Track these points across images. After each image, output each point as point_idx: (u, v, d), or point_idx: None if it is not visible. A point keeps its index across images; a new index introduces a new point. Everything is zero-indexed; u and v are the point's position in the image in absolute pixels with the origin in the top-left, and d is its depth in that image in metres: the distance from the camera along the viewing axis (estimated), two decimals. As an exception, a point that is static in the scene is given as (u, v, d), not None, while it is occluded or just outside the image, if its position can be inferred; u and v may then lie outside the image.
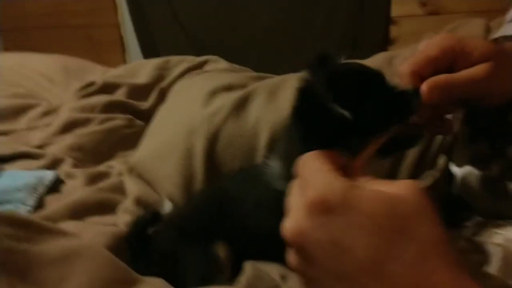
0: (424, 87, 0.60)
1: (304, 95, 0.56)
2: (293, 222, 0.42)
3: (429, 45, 0.64)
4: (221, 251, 0.70)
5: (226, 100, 0.95)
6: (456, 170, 0.75)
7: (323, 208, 0.40)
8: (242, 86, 1.02)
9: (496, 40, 0.74)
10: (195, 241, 0.73)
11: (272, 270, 0.65)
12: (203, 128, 0.91)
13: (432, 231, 0.40)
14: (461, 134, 0.75)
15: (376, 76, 0.61)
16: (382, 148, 0.57)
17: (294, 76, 0.99)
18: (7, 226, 0.49)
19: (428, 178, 0.79)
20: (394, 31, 2.33)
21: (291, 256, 0.44)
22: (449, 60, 0.63)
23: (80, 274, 0.49)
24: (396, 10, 2.39)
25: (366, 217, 0.40)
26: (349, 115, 0.54)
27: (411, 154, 0.83)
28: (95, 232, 0.79)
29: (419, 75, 0.62)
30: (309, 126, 0.57)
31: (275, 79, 1.01)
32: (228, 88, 1.02)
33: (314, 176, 0.44)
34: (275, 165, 0.67)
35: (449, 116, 0.69)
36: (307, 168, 0.45)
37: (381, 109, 0.57)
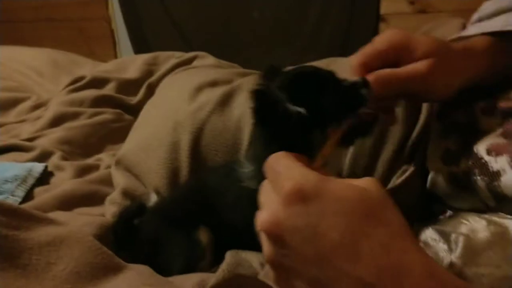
0: (369, 80, 0.64)
1: (260, 98, 0.59)
2: (269, 213, 0.44)
3: (378, 39, 0.68)
4: (202, 236, 0.74)
5: (211, 95, 0.98)
6: (429, 166, 0.78)
7: (299, 197, 0.43)
8: (227, 82, 1.05)
9: (452, 40, 0.78)
10: (178, 227, 0.76)
11: (252, 258, 0.69)
12: (188, 122, 0.94)
13: (397, 217, 0.43)
14: (434, 130, 0.79)
15: (326, 74, 0.65)
16: (341, 139, 0.62)
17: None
18: (-2, 214, 0.52)
19: (403, 174, 0.82)
20: (383, 28, 2.38)
21: (267, 249, 0.46)
22: (396, 55, 0.67)
23: (67, 259, 0.52)
24: (385, 8, 2.43)
25: (339, 203, 0.42)
26: (304, 111, 0.58)
27: (387, 150, 0.86)
28: (83, 222, 0.81)
29: (368, 67, 0.67)
30: (269, 127, 0.61)
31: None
32: (213, 84, 1.05)
33: (288, 169, 0.46)
34: (247, 165, 0.71)
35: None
36: (280, 164, 0.47)
37: (334, 103, 0.61)
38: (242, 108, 0.94)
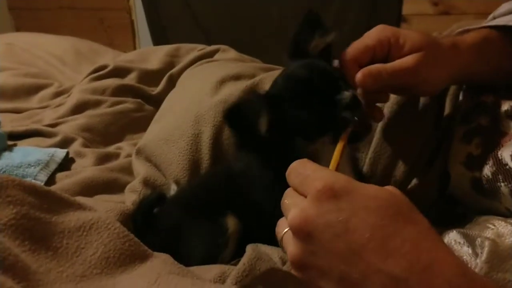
0: (359, 75, 0.67)
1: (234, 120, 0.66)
2: (298, 211, 0.45)
3: (368, 35, 0.71)
4: (230, 223, 0.73)
5: (234, 89, 0.98)
6: (450, 169, 0.78)
7: (330, 194, 0.44)
8: (250, 76, 1.06)
9: (458, 33, 0.79)
10: (202, 214, 0.76)
11: (272, 252, 0.69)
12: (210, 115, 0.95)
13: (423, 218, 0.45)
14: (457, 134, 0.78)
15: (320, 82, 0.67)
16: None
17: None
18: (30, 195, 0.53)
19: (423, 175, 0.82)
20: (404, 29, 2.35)
21: (294, 248, 0.46)
22: (385, 50, 0.69)
23: (96, 244, 0.53)
24: (407, 8, 2.41)
25: (370, 200, 0.44)
26: (266, 133, 0.66)
27: (403, 158, 0.85)
28: (104, 207, 0.82)
29: (358, 62, 0.69)
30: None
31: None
32: (237, 77, 1.05)
33: (317, 171, 0.48)
34: None
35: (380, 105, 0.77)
36: (307, 168, 0.49)
37: (315, 124, 0.67)
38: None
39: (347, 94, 0.65)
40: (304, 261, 0.45)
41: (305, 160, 0.51)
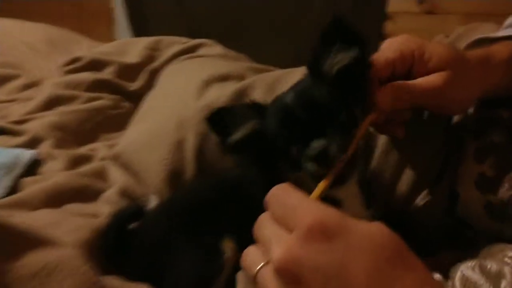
0: (379, 97, 0.60)
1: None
2: (284, 249, 0.40)
3: (389, 46, 0.64)
4: (228, 247, 0.66)
5: (221, 92, 0.90)
6: (460, 190, 0.72)
7: (322, 232, 0.39)
8: (238, 77, 0.97)
9: (476, 41, 0.73)
10: (191, 233, 0.68)
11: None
12: (195, 121, 0.86)
13: (421, 263, 0.40)
14: (468, 150, 0.72)
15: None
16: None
17: (295, 71, 0.94)
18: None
19: (428, 195, 0.76)
20: (389, 26, 2.29)
21: None
22: (408, 64, 0.63)
23: None
24: (392, 6, 2.35)
25: (366, 241, 0.39)
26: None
27: (409, 171, 0.79)
28: (73, 225, 0.74)
29: (378, 77, 0.62)
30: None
31: (275, 73, 0.96)
32: (224, 78, 0.96)
33: (303, 203, 0.42)
34: None
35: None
36: (292, 196, 0.43)
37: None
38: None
39: (317, 145, 0.57)
40: None
41: (287, 186, 0.45)
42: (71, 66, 1.35)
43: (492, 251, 0.62)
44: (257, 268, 0.43)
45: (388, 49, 0.63)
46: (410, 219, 0.75)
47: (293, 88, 0.65)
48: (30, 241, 0.48)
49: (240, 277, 0.62)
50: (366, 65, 0.62)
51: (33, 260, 0.46)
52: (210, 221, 0.70)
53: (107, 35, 2.69)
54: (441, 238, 0.73)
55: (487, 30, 0.93)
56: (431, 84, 0.61)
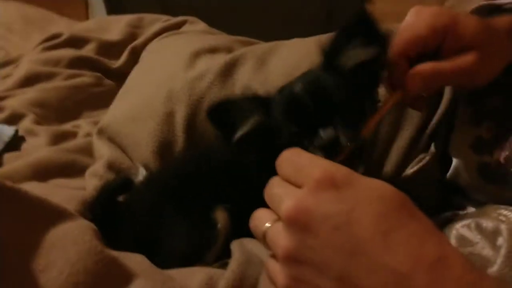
0: (409, 78, 0.58)
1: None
2: (294, 201, 0.41)
3: (418, 20, 0.60)
4: (220, 217, 0.64)
5: (211, 64, 0.88)
6: (453, 154, 0.72)
7: (331, 183, 0.40)
8: (227, 49, 0.96)
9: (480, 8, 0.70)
10: (183, 204, 0.66)
11: (261, 250, 0.60)
12: (185, 93, 0.84)
13: (426, 217, 0.41)
14: (462, 116, 0.72)
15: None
16: None
17: (285, 43, 0.93)
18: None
19: (419, 162, 0.76)
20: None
21: (287, 241, 0.41)
22: (439, 40, 0.59)
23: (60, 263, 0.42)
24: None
25: (374, 191, 0.40)
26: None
27: (403, 137, 0.79)
28: (62, 196, 0.71)
29: (405, 55, 0.59)
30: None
31: (265, 45, 0.94)
32: (213, 50, 0.95)
33: (314, 160, 0.44)
34: None
35: None
36: (302, 156, 0.44)
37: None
38: (245, 81, 0.85)
39: (327, 134, 0.56)
40: (299, 256, 0.41)
41: (297, 149, 0.46)
42: (49, 43, 1.32)
43: (485, 211, 0.62)
44: (267, 225, 0.44)
45: (418, 25, 0.59)
46: (401, 187, 0.76)
47: (301, 77, 0.63)
48: (46, 213, 0.46)
49: (235, 248, 0.61)
50: (383, 65, 0.60)
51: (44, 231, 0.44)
52: (201, 191, 0.69)
53: (82, 16, 2.61)
54: (432, 205, 0.73)
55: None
56: (465, 65, 0.57)
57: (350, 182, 0.41)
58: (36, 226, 0.44)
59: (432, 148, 0.77)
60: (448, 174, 0.72)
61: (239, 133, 0.59)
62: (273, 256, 0.44)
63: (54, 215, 0.46)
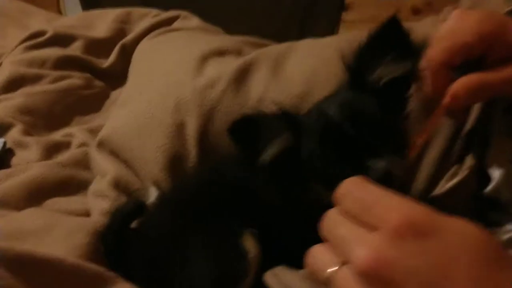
0: (453, 91, 0.54)
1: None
2: (371, 251, 0.35)
3: (464, 26, 0.55)
4: (249, 244, 0.57)
5: (222, 69, 0.81)
6: (492, 168, 0.67)
7: (414, 231, 0.35)
8: (236, 51, 0.89)
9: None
10: (208, 230, 0.60)
11: (302, 285, 0.55)
12: (195, 102, 0.77)
13: None
14: (499, 126, 0.67)
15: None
16: None
17: (297, 45, 0.87)
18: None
19: (454, 177, 0.71)
20: (348, 2, 2.21)
21: None
22: (485, 48, 0.54)
23: None
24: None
25: (464, 239, 0.35)
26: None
27: (435, 148, 0.74)
28: (69, 227, 0.64)
29: (447, 64, 0.55)
30: None
31: (277, 48, 0.87)
32: (220, 53, 0.87)
33: (385, 198, 0.38)
34: None
35: None
36: (370, 192, 0.39)
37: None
38: (261, 89, 0.78)
39: (380, 166, 0.50)
40: None
41: (361, 179, 0.40)
42: (32, 42, 1.21)
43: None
44: (331, 270, 0.38)
45: (463, 30, 0.54)
46: (435, 203, 0.71)
47: (332, 98, 0.57)
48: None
49: (270, 280, 0.55)
50: (414, 79, 0.56)
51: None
52: (223, 214, 0.62)
53: (54, 7, 2.48)
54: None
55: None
56: (510, 77, 0.53)
57: (434, 228, 0.35)
58: None
59: (469, 159, 0.73)
60: (488, 189, 0.68)
61: (267, 154, 0.53)
62: None
63: (92, 283, 0.39)
